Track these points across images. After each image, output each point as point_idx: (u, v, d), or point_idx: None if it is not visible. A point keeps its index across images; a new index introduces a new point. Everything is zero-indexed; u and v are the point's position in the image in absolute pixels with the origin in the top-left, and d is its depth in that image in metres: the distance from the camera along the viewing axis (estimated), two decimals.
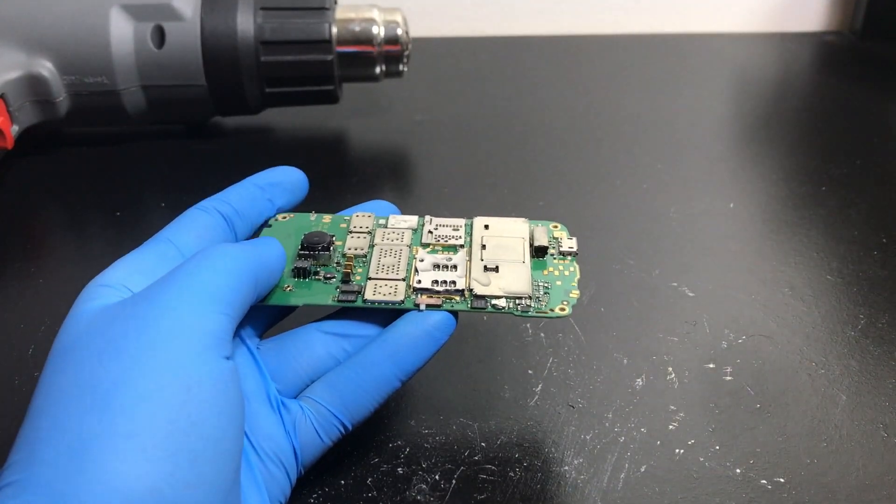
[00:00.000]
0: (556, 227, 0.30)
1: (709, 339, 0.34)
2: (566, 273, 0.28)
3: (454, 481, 0.27)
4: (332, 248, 0.28)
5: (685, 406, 0.30)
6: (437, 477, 0.27)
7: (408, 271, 0.28)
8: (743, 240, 0.41)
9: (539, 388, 0.31)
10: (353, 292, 0.27)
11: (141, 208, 0.43)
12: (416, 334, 0.26)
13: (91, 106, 0.45)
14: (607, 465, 0.28)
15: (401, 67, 0.49)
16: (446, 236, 0.29)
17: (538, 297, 0.27)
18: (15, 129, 0.43)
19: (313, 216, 0.30)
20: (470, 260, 0.28)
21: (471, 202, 0.44)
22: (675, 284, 0.37)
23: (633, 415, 0.30)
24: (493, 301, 0.27)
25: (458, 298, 0.27)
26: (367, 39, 0.47)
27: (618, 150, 0.49)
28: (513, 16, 0.67)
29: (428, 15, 0.66)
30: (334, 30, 0.46)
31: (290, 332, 0.27)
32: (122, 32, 0.44)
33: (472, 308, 0.26)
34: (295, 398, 0.26)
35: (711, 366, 0.32)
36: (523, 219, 0.30)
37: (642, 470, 0.28)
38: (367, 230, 0.29)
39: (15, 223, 0.42)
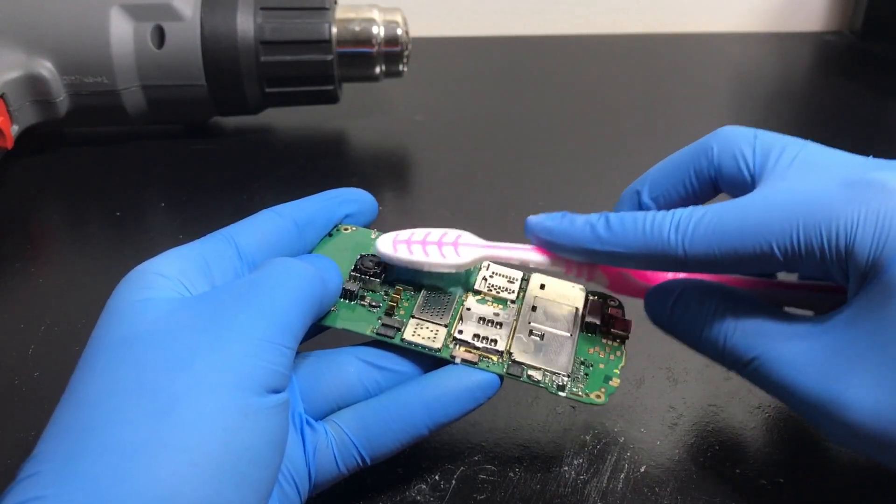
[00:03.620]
0: (612, 302, 0.28)
1: None
2: (611, 357, 0.27)
3: (454, 481, 0.27)
4: (383, 276, 0.27)
5: (685, 406, 0.30)
6: (436, 477, 0.27)
7: (452, 317, 0.27)
8: None
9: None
10: (392, 328, 0.26)
11: (141, 208, 0.43)
12: (457, 389, 0.25)
13: (91, 106, 0.45)
14: (607, 466, 0.28)
15: (401, 67, 0.49)
16: (499, 287, 0.28)
17: (576, 378, 0.26)
18: (15, 129, 0.43)
19: (374, 234, 0.29)
20: (517, 320, 0.27)
21: (470, 202, 0.44)
22: None
23: (633, 415, 0.30)
24: (530, 372, 0.26)
25: (495, 359, 0.26)
26: (367, 39, 0.47)
27: (618, 149, 0.49)
28: (513, 16, 0.67)
29: (428, 15, 0.66)
30: (334, 30, 0.46)
31: (326, 352, 0.26)
32: (122, 32, 0.44)
33: (507, 373, 0.26)
34: (319, 420, 0.25)
35: (711, 366, 0.32)
36: (580, 286, 0.29)
37: (642, 470, 0.28)
38: None
39: (15, 223, 0.42)
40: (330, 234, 0.29)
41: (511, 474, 0.28)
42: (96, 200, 0.44)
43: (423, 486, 0.27)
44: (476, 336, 0.26)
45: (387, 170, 0.48)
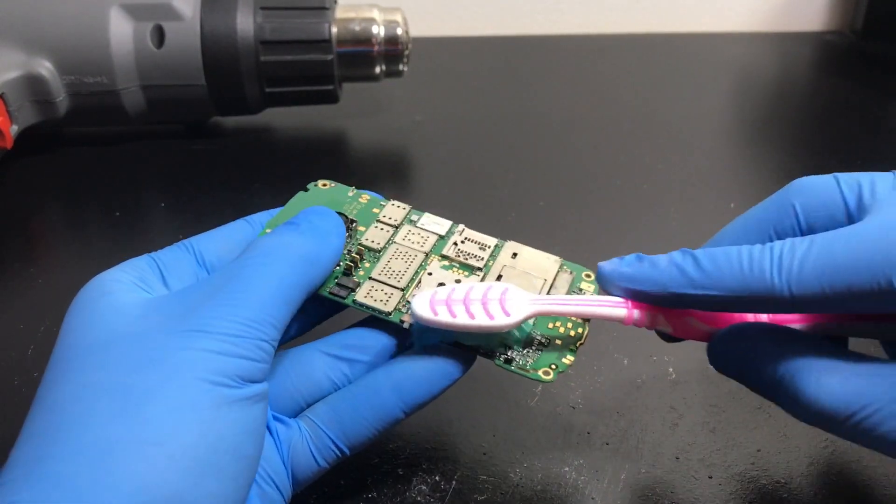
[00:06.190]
0: (588, 276, 0.27)
1: None
2: (571, 333, 0.25)
3: (454, 482, 0.27)
4: (349, 235, 0.27)
5: (685, 406, 0.30)
6: (437, 478, 0.27)
7: (411, 281, 0.26)
8: None
9: (539, 388, 0.31)
10: (347, 288, 0.25)
11: (141, 208, 0.43)
12: (427, 367, 0.24)
13: (91, 106, 0.45)
14: (607, 466, 0.28)
15: (401, 67, 0.49)
16: (469, 254, 0.27)
17: (527, 353, 0.24)
18: (15, 129, 0.43)
19: (352, 192, 0.29)
20: None
21: (470, 202, 0.44)
22: None
23: (633, 415, 0.30)
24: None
25: None
26: (367, 39, 0.47)
27: (618, 149, 0.49)
28: (513, 16, 0.67)
29: (428, 15, 0.66)
30: (334, 30, 0.46)
31: (289, 351, 0.26)
32: (122, 32, 0.44)
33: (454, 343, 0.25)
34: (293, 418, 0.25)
35: (711, 366, 0.32)
36: (556, 258, 0.27)
37: (642, 471, 0.28)
38: (394, 223, 0.28)
39: (15, 223, 0.42)
40: (306, 189, 0.28)
41: (511, 475, 0.28)
42: (96, 200, 0.44)
43: (424, 487, 0.27)
44: None
45: (387, 170, 0.48)
